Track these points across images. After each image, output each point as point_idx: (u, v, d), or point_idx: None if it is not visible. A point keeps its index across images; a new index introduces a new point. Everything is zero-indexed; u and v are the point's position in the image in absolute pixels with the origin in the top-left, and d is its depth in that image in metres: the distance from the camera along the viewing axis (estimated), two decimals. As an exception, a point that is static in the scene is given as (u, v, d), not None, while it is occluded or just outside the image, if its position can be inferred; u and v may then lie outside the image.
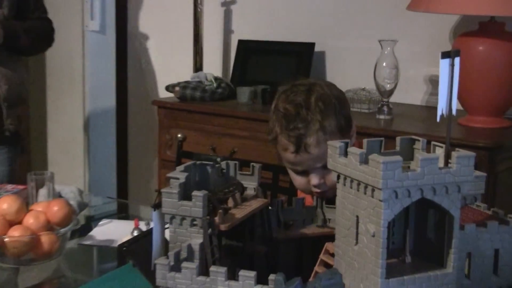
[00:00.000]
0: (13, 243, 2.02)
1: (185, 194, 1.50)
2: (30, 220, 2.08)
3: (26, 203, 2.21)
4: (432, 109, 3.23)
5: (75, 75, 4.73)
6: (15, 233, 2.03)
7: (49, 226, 2.10)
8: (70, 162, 4.81)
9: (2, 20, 2.80)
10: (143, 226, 2.27)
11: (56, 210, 2.14)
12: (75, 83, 4.74)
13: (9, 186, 2.51)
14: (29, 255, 2.05)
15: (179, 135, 3.25)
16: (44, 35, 3.05)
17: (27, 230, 2.05)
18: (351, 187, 1.31)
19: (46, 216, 2.11)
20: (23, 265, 2.05)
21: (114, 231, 2.32)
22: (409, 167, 1.29)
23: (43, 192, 2.30)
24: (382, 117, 3.04)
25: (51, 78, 4.83)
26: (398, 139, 1.40)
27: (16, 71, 2.91)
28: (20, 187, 2.45)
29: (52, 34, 3.07)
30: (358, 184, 1.28)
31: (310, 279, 1.44)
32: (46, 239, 2.06)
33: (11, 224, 2.07)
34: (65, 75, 4.77)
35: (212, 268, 1.38)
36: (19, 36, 2.86)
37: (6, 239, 2.01)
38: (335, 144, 1.35)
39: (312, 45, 3.50)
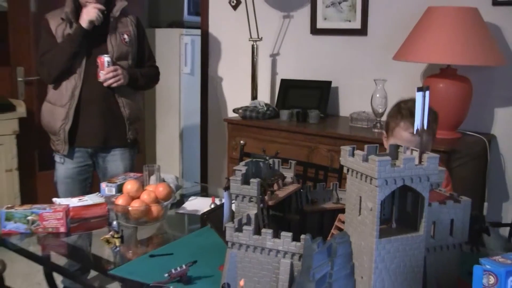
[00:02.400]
0: (134, 211, 2.04)
1: (245, 181, 1.49)
2: (144, 196, 2.10)
3: (142, 185, 2.23)
4: (409, 125, 3.17)
5: (174, 102, 4.78)
6: (135, 204, 2.05)
7: (157, 200, 2.12)
8: (171, 158, 4.85)
9: (128, 68, 2.84)
10: (217, 202, 2.28)
11: (161, 190, 2.15)
12: (174, 107, 4.79)
13: (132, 174, 2.54)
14: (144, 219, 2.07)
15: (241, 142, 3.25)
16: (153, 77, 3.07)
17: (143, 203, 2.07)
18: (356, 177, 1.30)
19: (155, 194, 2.13)
20: (140, 225, 2.07)
21: (198, 205, 2.33)
22: (395, 164, 1.27)
23: (153, 178, 2.32)
24: (376, 130, 2.99)
25: (159, 104, 4.88)
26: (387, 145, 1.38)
27: (135, 100, 2.94)
28: (138, 174, 2.48)
29: (158, 76, 3.10)
30: (361, 175, 1.27)
31: (328, 238, 1.43)
32: (155, 208, 2.08)
33: (132, 198, 2.09)
34: (168, 102, 4.82)
35: (263, 230, 1.38)
36: (138, 78, 2.89)
37: (129, 208, 2.04)
38: (346, 148, 1.33)
39: (329, 82, 3.47)
